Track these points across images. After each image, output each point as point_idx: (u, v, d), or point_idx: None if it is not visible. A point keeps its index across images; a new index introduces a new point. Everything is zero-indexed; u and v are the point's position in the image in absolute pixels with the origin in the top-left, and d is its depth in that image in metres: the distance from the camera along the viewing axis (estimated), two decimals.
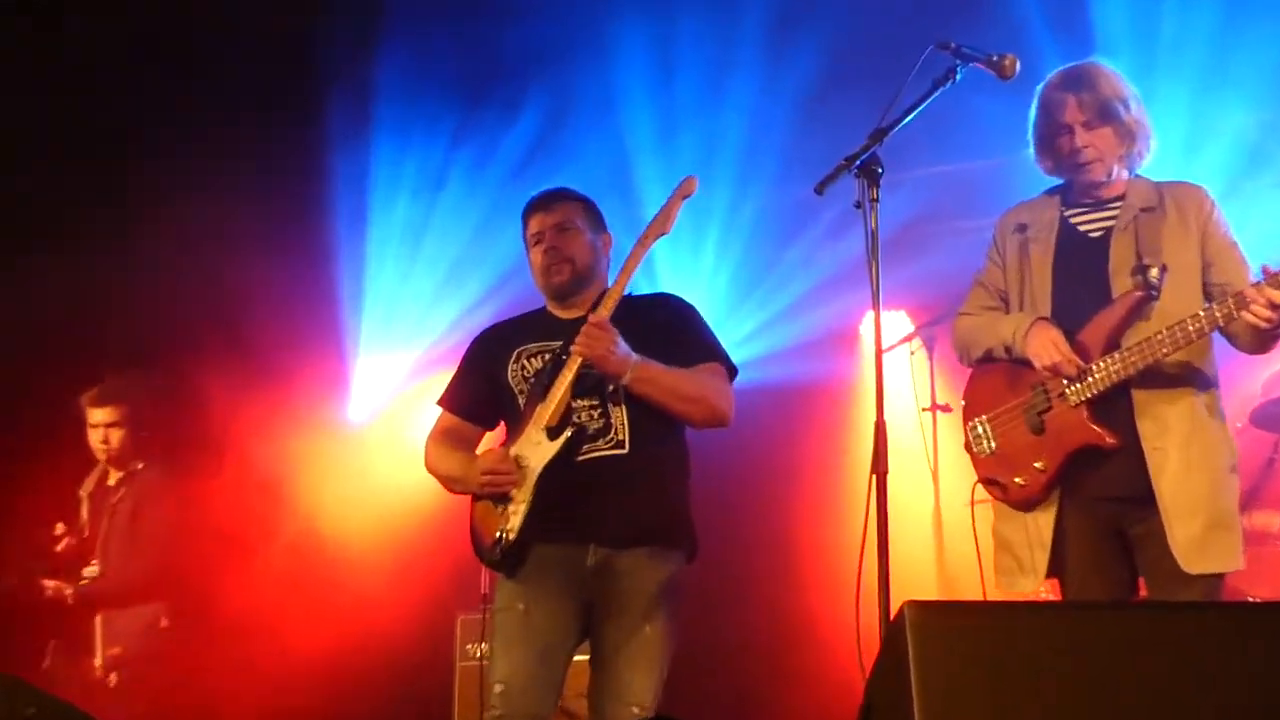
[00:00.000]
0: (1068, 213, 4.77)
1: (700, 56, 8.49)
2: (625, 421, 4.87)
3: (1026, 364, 4.64)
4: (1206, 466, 4.44)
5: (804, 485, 9.01)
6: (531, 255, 5.17)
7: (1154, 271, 4.46)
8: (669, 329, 5.05)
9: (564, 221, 5.12)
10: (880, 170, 4.18)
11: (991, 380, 4.81)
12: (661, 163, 8.56)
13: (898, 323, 8.70)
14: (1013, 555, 4.65)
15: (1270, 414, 7.22)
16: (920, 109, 4.26)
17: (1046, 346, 4.54)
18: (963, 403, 4.94)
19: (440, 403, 5.31)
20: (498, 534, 4.85)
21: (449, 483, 5.14)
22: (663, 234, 4.88)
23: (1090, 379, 4.50)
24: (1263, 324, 4.19)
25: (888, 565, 3.96)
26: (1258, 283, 4.19)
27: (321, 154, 8.53)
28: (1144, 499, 4.43)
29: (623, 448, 4.85)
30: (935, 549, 7.66)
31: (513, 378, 5.03)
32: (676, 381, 4.88)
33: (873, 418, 4.11)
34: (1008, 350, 4.70)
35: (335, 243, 8.74)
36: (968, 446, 4.85)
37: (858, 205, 4.17)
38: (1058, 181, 4.84)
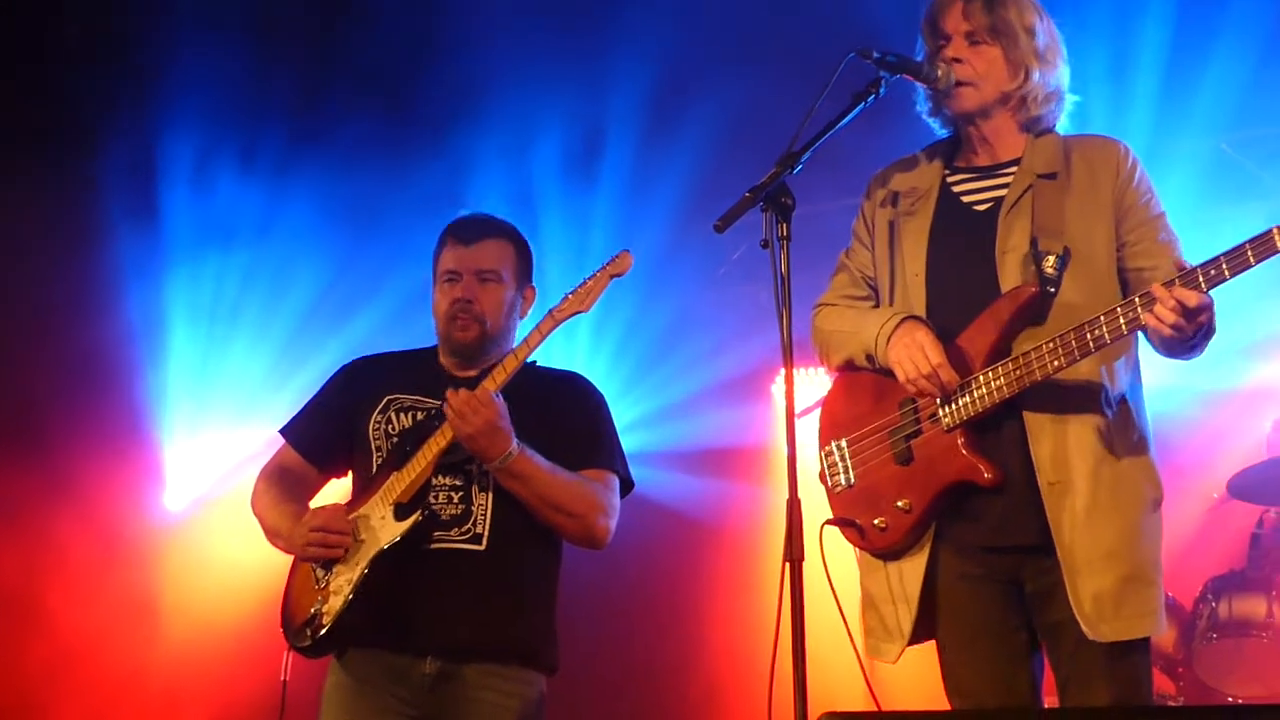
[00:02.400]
0: (951, 178, 4.36)
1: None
2: (488, 512, 4.67)
3: None
4: (1118, 506, 4.01)
5: (713, 576, 8.97)
6: (437, 293, 4.89)
7: (1050, 260, 4.05)
8: (567, 419, 4.86)
9: (488, 270, 4.86)
10: (791, 202, 3.95)
11: (854, 393, 4.39)
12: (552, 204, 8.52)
13: (816, 381, 8.61)
14: (877, 614, 4.24)
15: (1250, 483, 7.20)
16: (836, 129, 4.03)
17: (913, 354, 4.09)
18: (818, 421, 4.51)
19: (284, 432, 5.03)
20: (311, 612, 4.63)
21: (271, 535, 4.87)
22: (581, 312, 4.66)
23: (968, 397, 4.07)
24: (1166, 330, 3.80)
25: (804, 667, 3.74)
26: (1171, 281, 3.79)
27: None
28: (1043, 547, 4.01)
29: (479, 543, 4.65)
30: (864, 639, 7.55)
31: (374, 430, 4.81)
32: (553, 487, 4.67)
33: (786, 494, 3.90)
34: (870, 359, 4.27)
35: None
36: (822, 477, 4.40)
37: (765, 244, 3.92)
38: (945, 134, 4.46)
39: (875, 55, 4.12)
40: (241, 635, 8.07)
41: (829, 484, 4.38)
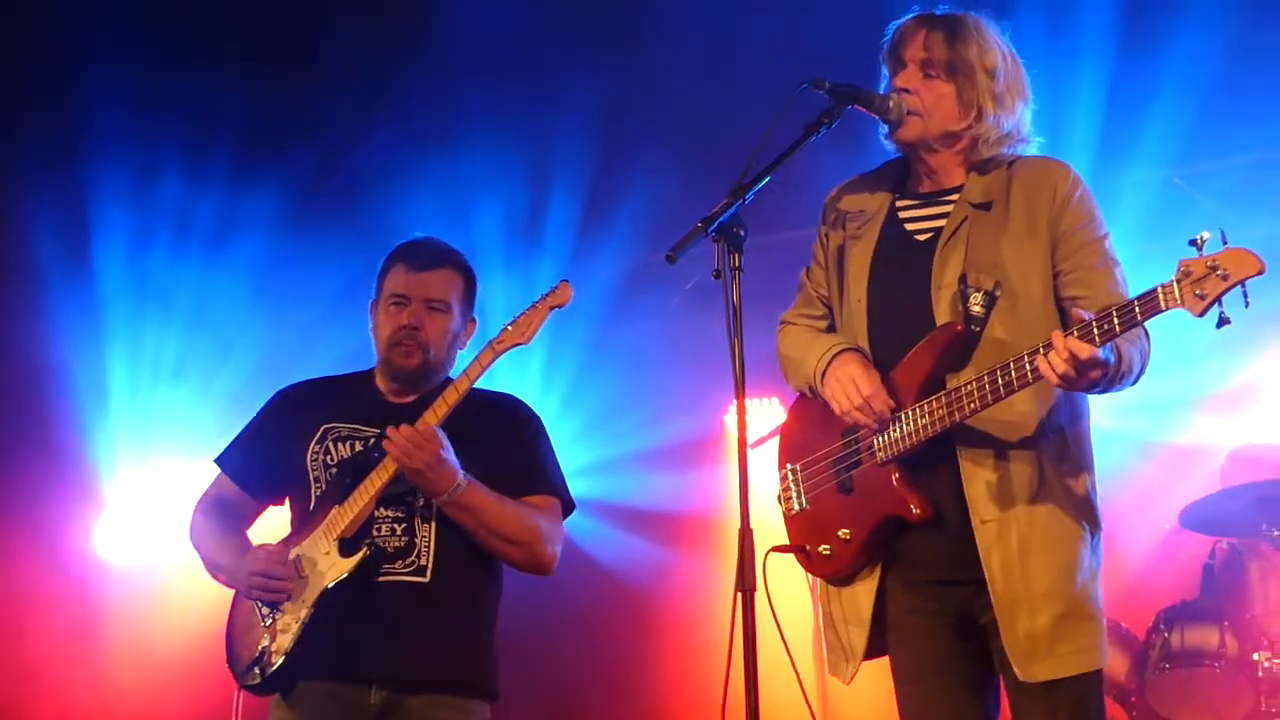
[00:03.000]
0: (900, 203, 4.32)
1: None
2: (432, 544, 4.66)
3: None
4: (1052, 543, 3.99)
5: (666, 608, 8.96)
6: (382, 316, 4.88)
7: (976, 298, 4.03)
8: (507, 446, 4.87)
9: (437, 299, 4.85)
10: (742, 233, 3.95)
11: (808, 419, 4.39)
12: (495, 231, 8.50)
13: (769, 412, 8.63)
14: (835, 634, 4.28)
15: (1202, 515, 7.24)
16: (786, 159, 4.01)
17: (845, 387, 4.11)
18: (778, 442, 4.54)
19: (219, 462, 5.00)
20: (259, 651, 4.61)
21: (212, 569, 4.85)
22: (521, 344, 4.67)
23: (899, 432, 4.07)
24: (1054, 379, 3.77)
25: (756, 697, 3.76)
26: (1071, 330, 3.75)
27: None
28: (984, 582, 4.01)
29: (424, 575, 4.65)
30: (817, 675, 7.54)
31: (312, 461, 4.78)
32: (500, 516, 4.68)
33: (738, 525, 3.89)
34: (812, 390, 4.30)
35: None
36: (780, 499, 4.42)
37: (717, 275, 3.92)
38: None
39: (827, 85, 4.10)
40: (188, 674, 8.00)
41: (784, 507, 4.40)
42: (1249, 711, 6.88)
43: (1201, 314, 3.60)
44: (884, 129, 4.28)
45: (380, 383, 4.93)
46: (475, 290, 4.99)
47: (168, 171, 8.49)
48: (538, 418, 5.01)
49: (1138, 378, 4.00)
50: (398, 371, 4.86)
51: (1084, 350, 3.72)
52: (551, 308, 4.68)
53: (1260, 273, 3.56)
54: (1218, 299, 3.57)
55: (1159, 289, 3.64)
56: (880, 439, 4.12)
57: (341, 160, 8.40)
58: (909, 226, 4.28)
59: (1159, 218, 7.70)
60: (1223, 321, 3.59)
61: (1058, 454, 4.07)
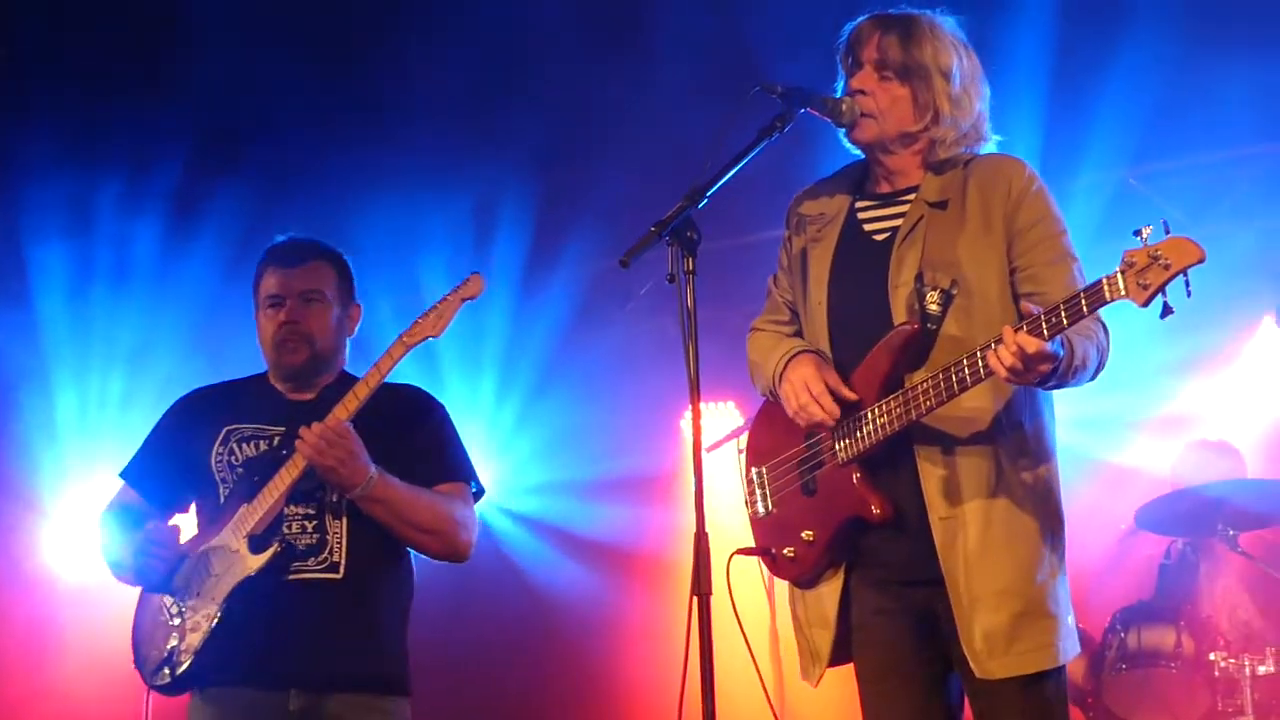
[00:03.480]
0: (859, 204, 4.32)
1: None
2: (344, 540, 4.66)
3: None
4: (1011, 540, 3.99)
5: (621, 609, 8.96)
6: (262, 319, 4.88)
7: (932, 296, 4.04)
8: (415, 435, 4.87)
9: (311, 290, 4.85)
10: (696, 237, 3.94)
11: (774, 422, 4.38)
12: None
13: (725, 415, 8.66)
14: (803, 637, 4.29)
15: (1157, 514, 7.28)
16: (741, 165, 4.01)
17: (796, 389, 4.14)
18: (743, 445, 4.56)
19: (123, 475, 4.98)
20: (168, 651, 4.59)
21: (119, 572, 4.83)
22: (432, 337, 4.69)
23: (859, 432, 4.08)
24: (1002, 373, 3.77)
25: (713, 700, 3.75)
26: (1020, 325, 3.75)
27: None
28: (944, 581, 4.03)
29: (336, 571, 4.65)
30: (775, 679, 7.55)
31: (217, 462, 4.77)
32: (415, 507, 4.69)
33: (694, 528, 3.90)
34: (773, 395, 4.32)
35: None
36: (747, 503, 4.44)
37: (671, 279, 3.91)
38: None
39: (779, 90, 4.10)
40: (97, 678, 7.99)
41: (750, 510, 4.41)
42: (1206, 711, 6.93)
43: (1145, 304, 3.61)
44: (842, 130, 4.28)
45: (275, 383, 4.93)
46: (351, 276, 4.99)
47: (104, 209, 8.49)
48: (442, 406, 5.02)
49: (1096, 373, 4.00)
50: (287, 369, 4.87)
51: (1031, 344, 3.72)
52: (464, 299, 4.71)
53: (1200, 261, 3.57)
54: (1161, 288, 3.58)
55: (1103, 280, 3.66)
56: (841, 440, 4.14)
57: (284, 195, 8.35)
58: (867, 227, 4.28)
59: (1113, 217, 7.75)
60: (1166, 311, 3.61)
61: (1016, 449, 4.07)
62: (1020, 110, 7.34)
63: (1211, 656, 6.96)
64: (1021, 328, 3.75)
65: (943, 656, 4.15)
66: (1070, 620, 4.11)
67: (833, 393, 4.11)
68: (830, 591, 4.22)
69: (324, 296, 4.87)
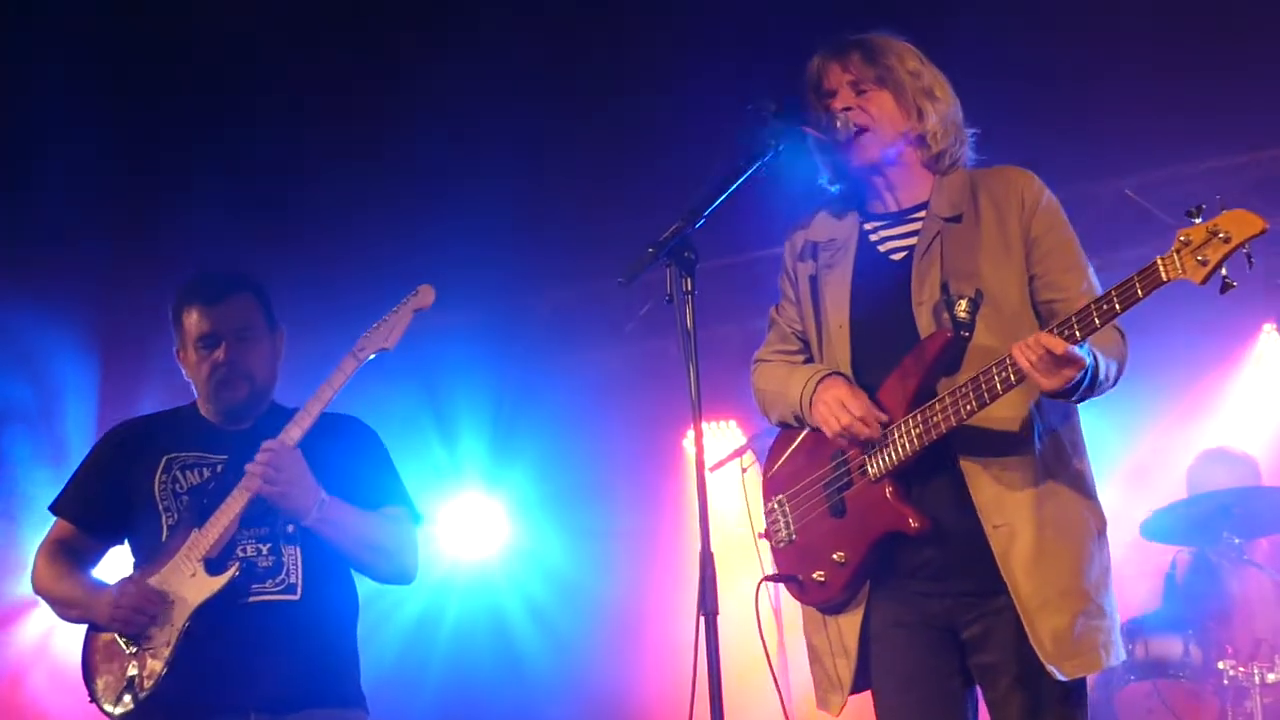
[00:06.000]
0: (868, 226, 4.37)
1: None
2: (299, 562, 4.70)
3: None
4: (1065, 543, 4.05)
5: (635, 632, 8.98)
6: (195, 358, 4.86)
7: (961, 305, 4.05)
8: (356, 460, 4.92)
9: (242, 325, 4.84)
10: (693, 256, 3.95)
11: (792, 449, 4.41)
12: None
13: (726, 435, 8.68)
14: (822, 667, 4.29)
15: (1162, 524, 7.29)
16: (736, 185, 4.04)
17: (834, 410, 4.14)
18: (761, 478, 4.55)
19: (55, 509, 4.97)
20: (128, 679, 4.59)
21: (64, 607, 4.83)
22: (384, 349, 4.72)
23: (891, 447, 4.10)
24: (1028, 368, 3.81)
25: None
26: (1053, 328, 3.83)
27: None
28: (986, 591, 4.06)
29: (294, 593, 4.68)
30: (777, 700, 7.58)
31: (161, 491, 4.76)
32: (365, 529, 4.77)
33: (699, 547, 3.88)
34: (798, 419, 4.33)
35: None
36: (767, 534, 4.45)
37: (669, 299, 3.93)
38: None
39: (774, 108, 4.15)
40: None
41: (773, 540, 4.43)
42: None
43: (1204, 280, 3.65)
44: (825, 176, 4.39)
45: (207, 414, 4.95)
46: (269, 300, 4.98)
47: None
48: (376, 434, 5.06)
49: (1117, 381, 4.05)
50: (228, 406, 4.88)
51: (1058, 345, 3.78)
52: (414, 310, 4.74)
53: (1263, 231, 3.61)
54: (1220, 263, 3.63)
55: (1159, 260, 3.70)
56: (872, 456, 4.16)
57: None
58: (882, 248, 4.33)
59: (1114, 228, 7.78)
60: (1226, 287, 3.64)
61: (1054, 454, 4.13)
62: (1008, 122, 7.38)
63: (1220, 665, 6.98)
64: (1060, 329, 3.82)
65: (961, 671, 4.19)
66: (1119, 620, 4.17)
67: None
68: (851, 621, 4.24)
69: (256, 330, 4.87)
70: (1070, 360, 3.82)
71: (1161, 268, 3.71)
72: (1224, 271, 3.65)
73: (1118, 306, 3.77)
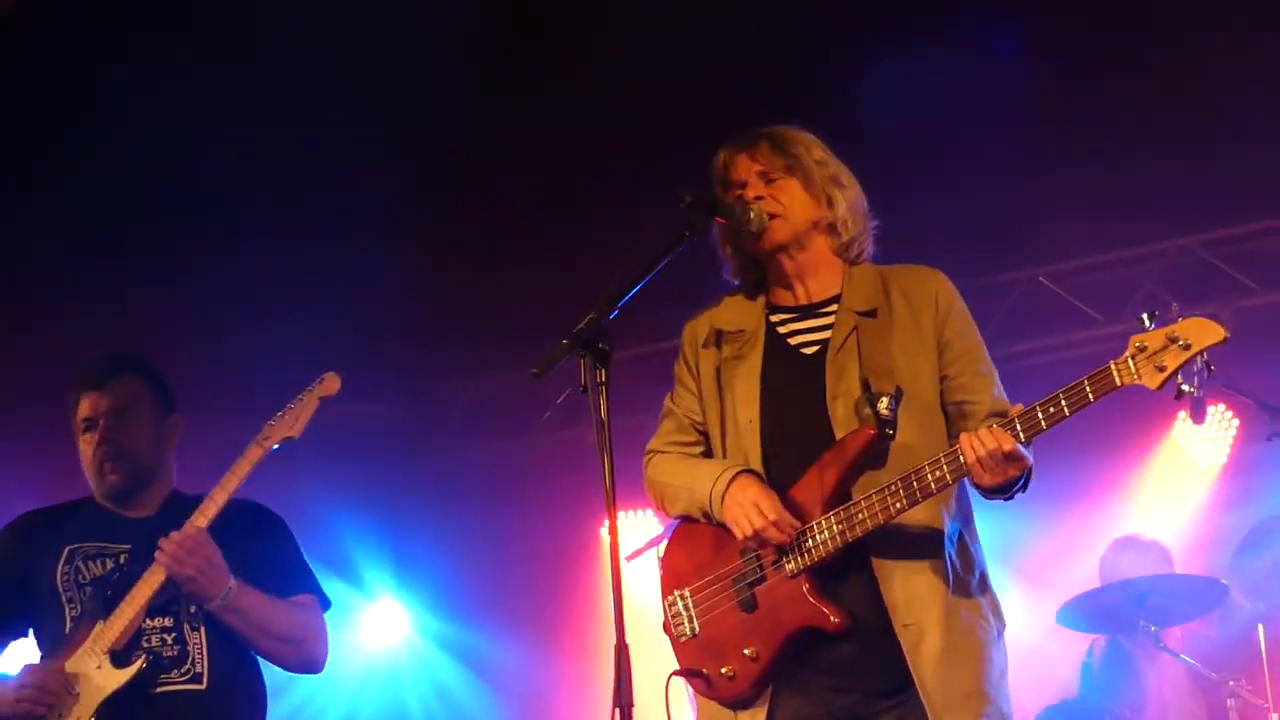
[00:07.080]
0: (775, 318, 4.38)
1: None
2: (204, 650, 4.66)
3: None
4: (970, 645, 4.08)
5: None
6: (82, 445, 4.86)
7: (884, 402, 4.03)
8: (264, 547, 4.89)
9: (123, 406, 4.83)
10: (608, 347, 3.92)
11: (695, 542, 4.35)
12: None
13: (643, 524, 8.65)
14: None
15: (1078, 612, 7.30)
16: (651, 275, 4.03)
17: (748, 512, 4.10)
18: (659, 570, 4.52)
19: None
20: None
21: None
22: (290, 437, 4.71)
23: (810, 543, 4.07)
24: (969, 461, 3.86)
25: None
26: (995, 424, 3.87)
27: None
28: (894, 689, 4.07)
29: (200, 682, 4.65)
30: None
31: (62, 581, 4.72)
32: (272, 616, 4.74)
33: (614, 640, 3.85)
34: (706, 516, 4.28)
35: None
36: (667, 627, 4.38)
37: (583, 390, 3.90)
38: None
39: (688, 199, 4.15)
40: None
41: (674, 634, 4.37)
42: None
43: (1159, 387, 3.67)
44: (729, 268, 4.42)
45: (104, 504, 4.91)
46: (165, 387, 4.99)
47: None
48: (284, 520, 5.04)
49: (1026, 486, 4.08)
50: (111, 490, 4.86)
51: (1007, 442, 3.81)
52: (319, 398, 4.74)
53: (1224, 340, 3.63)
54: (1177, 370, 3.65)
55: (1112, 365, 3.73)
56: (789, 553, 4.13)
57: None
58: (792, 340, 4.34)
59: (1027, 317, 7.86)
60: (1180, 394, 3.66)
61: (962, 556, 4.16)
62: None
63: None
64: (1002, 425, 3.85)
65: None
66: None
67: None
68: (756, 716, 4.19)
69: (138, 412, 4.85)
70: (1016, 458, 3.85)
71: (1115, 372, 3.73)
72: (1180, 379, 3.66)
73: (1066, 410, 3.80)
